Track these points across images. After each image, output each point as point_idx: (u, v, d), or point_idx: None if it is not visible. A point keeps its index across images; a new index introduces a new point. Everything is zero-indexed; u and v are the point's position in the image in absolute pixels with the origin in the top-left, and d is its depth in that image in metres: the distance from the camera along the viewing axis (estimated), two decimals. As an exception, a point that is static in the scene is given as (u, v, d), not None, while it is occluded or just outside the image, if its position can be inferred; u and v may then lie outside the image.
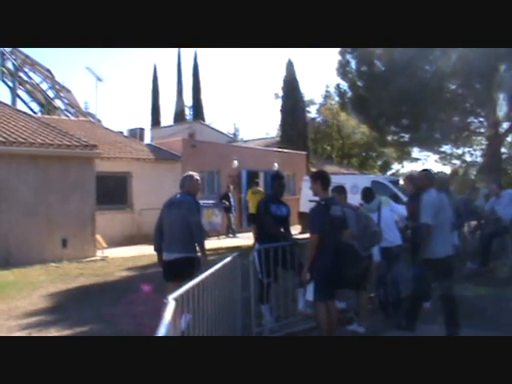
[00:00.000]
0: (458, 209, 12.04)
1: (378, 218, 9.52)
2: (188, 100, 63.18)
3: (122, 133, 31.10)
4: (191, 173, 8.83)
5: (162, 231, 8.46)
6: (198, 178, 8.80)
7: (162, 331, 3.50)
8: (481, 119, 28.27)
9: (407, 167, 54.91)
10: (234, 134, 63.96)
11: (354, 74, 27.47)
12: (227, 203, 25.87)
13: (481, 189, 17.26)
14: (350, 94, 28.37)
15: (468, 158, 34.86)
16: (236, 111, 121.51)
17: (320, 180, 7.72)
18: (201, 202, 24.83)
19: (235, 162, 28.23)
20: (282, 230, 8.97)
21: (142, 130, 32.93)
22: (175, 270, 7.71)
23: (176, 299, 4.59)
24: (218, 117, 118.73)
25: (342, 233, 7.64)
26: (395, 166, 61.33)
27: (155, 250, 8.57)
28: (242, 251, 8.36)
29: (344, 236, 7.68)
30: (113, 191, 23.55)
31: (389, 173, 56.22)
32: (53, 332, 8.91)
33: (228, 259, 7.27)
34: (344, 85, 28.67)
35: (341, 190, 8.88)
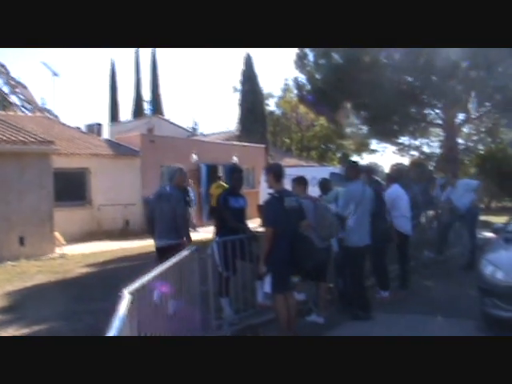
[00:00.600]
0: (416, 199, 12.21)
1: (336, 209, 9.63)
2: (147, 95, 62.94)
3: (79, 128, 30.77)
4: (180, 166, 9.47)
5: (153, 220, 9.15)
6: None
7: (115, 325, 3.49)
8: (437, 111, 28.57)
9: (366, 159, 55.29)
10: (193, 129, 63.67)
11: (312, 67, 27.50)
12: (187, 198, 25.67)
13: (437, 179, 17.47)
14: (308, 86, 28.37)
15: (426, 150, 35.31)
16: (195, 105, 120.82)
17: (273, 172, 7.79)
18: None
19: (194, 156, 28.13)
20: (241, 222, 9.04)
21: (99, 125, 32.61)
22: (166, 255, 7.82)
23: (131, 293, 4.57)
24: (177, 111, 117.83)
25: (299, 224, 7.70)
26: (355, 158, 61.87)
27: (151, 236, 9.36)
28: (200, 245, 8.36)
29: (302, 227, 7.76)
30: (71, 187, 23.24)
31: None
32: (10, 331, 8.80)
33: (185, 253, 7.26)
34: (302, 78, 28.66)
35: (300, 180, 8.98)
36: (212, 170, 28.26)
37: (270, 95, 56.09)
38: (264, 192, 24.67)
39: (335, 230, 8.77)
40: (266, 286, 7.73)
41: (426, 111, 29.22)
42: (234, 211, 8.82)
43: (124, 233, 24.32)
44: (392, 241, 10.84)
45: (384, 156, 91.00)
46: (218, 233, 9.09)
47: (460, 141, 31.04)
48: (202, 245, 8.61)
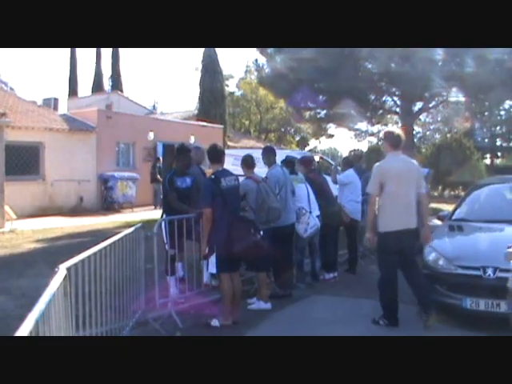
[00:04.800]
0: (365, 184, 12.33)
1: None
2: (107, 71, 61.98)
3: (35, 102, 30.26)
4: (197, 145, 9.97)
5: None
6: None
7: (44, 299, 3.46)
8: (395, 98, 28.82)
9: (324, 143, 55.61)
10: (154, 107, 63.10)
11: (272, 50, 27.44)
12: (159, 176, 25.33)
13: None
14: (267, 69, 28.36)
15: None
16: (156, 84, 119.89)
17: (210, 153, 7.81)
18: (115, 174, 24.80)
19: (151, 134, 27.96)
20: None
21: (56, 99, 32.20)
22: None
23: (68, 268, 4.54)
24: (138, 89, 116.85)
25: (239, 204, 7.76)
26: (313, 142, 62.14)
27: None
28: (149, 223, 8.31)
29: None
30: (24, 161, 22.88)
31: (307, 149, 56.73)
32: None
33: (129, 230, 7.22)
34: (262, 60, 28.63)
35: (246, 160, 8.98)
36: (169, 149, 28.14)
37: (231, 76, 55.83)
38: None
39: (274, 216, 8.71)
40: (211, 266, 7.74)
41: (384, 98, 29.46)
42: (180, 191, 8.78)
43: (77, 209, 24.08)
44: (341, 224, 10.96)
45: (342, 141, 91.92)
46: (165, 212, 9.06)
47: (417, 129, 31.57)
48: (151, 223, 8.58)
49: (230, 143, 37.66)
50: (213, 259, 7.60)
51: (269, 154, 9.65)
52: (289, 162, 10.34)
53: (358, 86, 25.63)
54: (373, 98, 28.90)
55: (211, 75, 39.36)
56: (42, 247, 14.42)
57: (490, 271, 7.22)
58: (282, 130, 56.62)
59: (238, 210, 7.71)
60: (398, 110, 29.17)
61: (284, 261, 9.31)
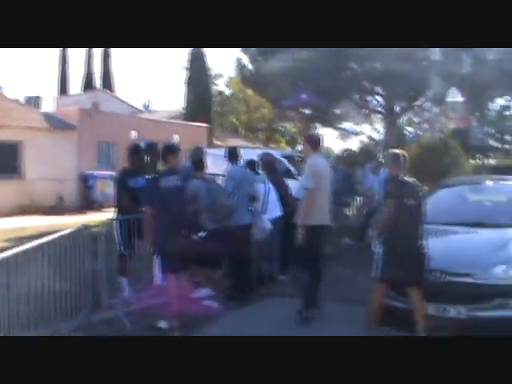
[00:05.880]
0: (336, 185, 12.22)
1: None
2: (98, 70, 61.67)
3: (17, 100, 30.10)
4: (198, 146, 9.99)
5: None
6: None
7: None
8: (378, 98, 28.78)
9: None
10: (147, 106, 62.93)
11: (255, 49, 27.34)
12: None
13: (366, 165, 17.41)
14: (250, 68, 28.25)
15: (376, 136, 35.64)
16: (148, 83, 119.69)
17: (162, 152, 7.76)
18: (95, 172, 24.68)
19: (133, 134, 27.81)
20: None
21: (38, 97, 32.06)
22: None
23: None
24: (130, 88, 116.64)
25: (183, 204, 7.65)
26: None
27: None
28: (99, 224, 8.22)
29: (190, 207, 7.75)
30: (2, 160, 22.80)
31: (298, 148, 56.51)
32: None
33: (69, 231, 7.13)
34: (245, 59, 28.50)
35: (197, 163, 8.98)
36: (151, 149, 27.99)
37: (220, 75, 55.62)
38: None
39: (227, 214, 8.67)
40: (157, 266, 7.66)
41: (369, 98, 29.40)
42: (133, 192, 8.66)
43: (58, 208, 23.90)
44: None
45: (328, 141, 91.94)
46: (118, 212, 8.97)
47: (407, 130, 31.58)
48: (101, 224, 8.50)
49: (216, 142, 37.53)
50: (158, 259, 7.54)
51: (231, 154, 9.68)
52: (249, 162, 10.26)
53: (342, 85, 25.56)
54: (357, 97, 28.81)
55: (198, 74, 39.32)
56: (7, 246, 14.25)
57: (439, 275, 7.08)
58: (272, 128, 56.25)
59: (180, 210, 7.57)
60: (381, 109, 29.08)
61: (240, 262, 9.22)
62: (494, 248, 7.45)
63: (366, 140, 51.42)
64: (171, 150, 7.95)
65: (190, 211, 8.15)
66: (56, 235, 6.67)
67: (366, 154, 32.58)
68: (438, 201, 9.73)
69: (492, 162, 74.90)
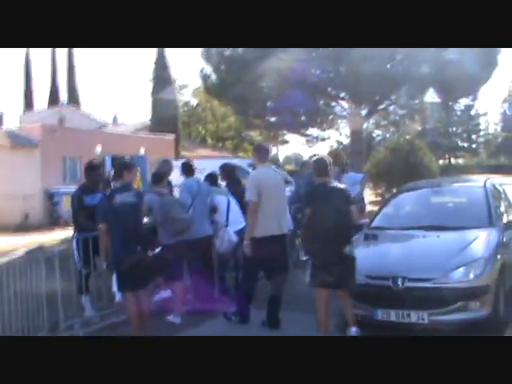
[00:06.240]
0: (298, 192, 12.14)
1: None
2: (64, 84, 61.04)
3: (-21, 119, 29.82)
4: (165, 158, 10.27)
5: None
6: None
7: None
8: (342, 103, 28.85)
9: (280, 150, 55.69)
10: (114, 119, 62.49)
11: (217, 58, 27.28)
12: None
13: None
14: (213, 77, 28.17)
15: (345, 141, 35.79)
16: (116, 96, 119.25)
17: (115, 168, 7.70)
18: (61, 189, 24.40)
19: (98, 148, 27.59)
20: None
21: (0, 114, 31.70)
22: None
23: None
24: (97, 101, 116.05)
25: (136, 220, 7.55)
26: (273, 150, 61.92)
27: None
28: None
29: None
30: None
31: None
32: None
33: (24, 250, 7.04)
34: (208, 69, 28.41)
35: (153, 177, 8.97)
36: (128, 161, 27.76)
37: (185, 86, 55.55)
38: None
39: (182, 227, 8.56)
40: (114, 285, 7.55)
41: (334, 103, 29.47)
42: (90, 209, 8.51)
43: (23, 226, 23.60)
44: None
45: (295, 147, 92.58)
46: (76, 230, 8.84)
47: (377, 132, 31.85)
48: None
49: (184, 153, 37.40)
50: (114, 277, 7.43)
51: (185, 167, 9.61)
52: (209, 175, 10.21)
53: (307, 91, 25.58)
54: (322, 102, 28.89)
55: (163, 85, 39.17)
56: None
57: (399, 281, 7.04)
58: (240, 137, 56.21)
59: (135, 227, 7.45)
60: (346, 114, 29.20)
61: (203, 275, 9.13)
62: (453, 251, 7.45)
63: (335, 145, 51.84)
64: (126, 165, 7.85)
65: (146, 227, 8.07)
66: (11, 256, 6.53)
67: (335, 158, 32.73)
68: (398, 205, 9.75)
69: (460, 161, 75.91)
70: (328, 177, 7.53)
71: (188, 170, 9.56)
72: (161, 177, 9.07)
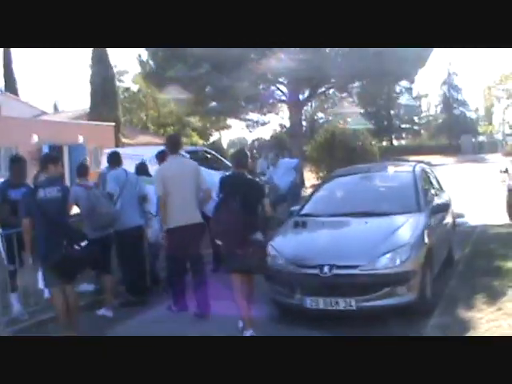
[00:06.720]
0: None
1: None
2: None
3: None
4: None
5: None
6: None
7: None
8: (282, 88, 28.87)
9: (224, 135, 55.64)
10: (55, 107, 61.32)
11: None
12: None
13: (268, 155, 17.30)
14: (151, 63, 27.78)
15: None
16: (55, 83, 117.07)
17: (39, 163, 7.54)
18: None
19: (35, 137, 27.04)
20: None
21: None
22: None
23: None
24: (36, 89, 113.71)
25: (60, 214, 7.41)
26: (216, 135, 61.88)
27: None
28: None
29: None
30: None
31: (211, 140, 56.27)
32: None
33: None
34: (145, 55, 28.01)
35: (78, 169, 8.95)
36: (56, 151, 27.31)
37: (126, 72, 54.82)
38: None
39: (107, 220, 8.49)
40: (40, 280, 7.40)
41: (273, 88, 29.46)
42: (15, 203, 8.29)
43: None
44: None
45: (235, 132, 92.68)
46: (1, 226, 8.61)
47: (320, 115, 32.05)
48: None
49: (125, 140, 37.00)
50: (40, 273, 7.30)
51: (112, 158, 9.60)
52: (140, 165, 10.14)
53: (246, 77, 25.47)
54: (262, 87, 28.85)
55: (101, 72, 38.61)
56: None
57: (326, 269, 7.05)
58: (181, 123, 55.74)
59: (60, 221, 7.32)
60: (285, 98, 29.22)
61: (134, 266, 9.09)
62: (380, 237, 7.51)
63: (278, 128, 51.91)
64: (52, 158, 7.71)
65: (71, 221, 7.96)
66: None
67: (278, 142, 32.78)
68: (328, 191, 9.79)
69: (403, 142, 77.16)
70: (245, 168, 7.61)
71: (115, 159, 9.46)
72: (86, 168, 8.95)
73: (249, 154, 7.98)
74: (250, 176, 7.74)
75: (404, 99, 70.68)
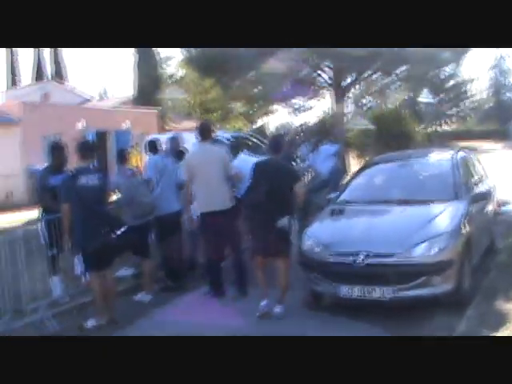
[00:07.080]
0: None
1: None
2: (48, 58, 60.07)
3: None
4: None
5: None
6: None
7: None
8: (324, 75, 28.57)
9: (271, 121, 55.42)
10: (104, 93, 61.85)
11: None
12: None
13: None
14: (195, 49, 27.74)
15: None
16: (104, 70, 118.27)
17: (77, 151, 7.55)
18: (41, 167, 24.18)
19: (80, 124, 27.32)
20: None
21: (-20, 92, 31.38)
22: None
23: None
24: (84, 76, 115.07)
25: (102, 201, 7.59)
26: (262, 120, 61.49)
27: None
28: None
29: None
30: None
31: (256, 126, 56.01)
32: None
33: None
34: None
35: (119, 155, 9.00)
36: (101, 138, 27.64)
37: (170, 58, 54.75)
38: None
39: (146, 209, 8.56)
40: (77, 265, 7.50)
41: (316, 73, 29.17)
42: (55, 190, 8.41)
43: (6, 205, 23.35)
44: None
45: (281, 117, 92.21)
46: (42, 211, 8.78)
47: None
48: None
49: (170, 126, 37.15)
50: (78, 257, 7.39)
51: (150, 146, 9.82)
52: (179, 152, 10.19)
53: (289, 62, 25.31)
54: (305, 73, 28.61)
55: (146, 58, 38.87)
56: None
57: (361, 257, 6.98)
58: (225, 109, 55.54)
59: (99, 209, 7.41)
60: (328, 84, 28.91)
61: (171, 250, 9.17)
62: (417, 225, 7.40)
63: (322, 114, 51.50)
64: (89, 146, 7.80)
65: (110, 209, 8.05)
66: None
67: (321, 127, 32.57)
68: (366, 179, 9.67)
69: (448, 128, 75.93)
70: (279, 154, 7.76)
71: (152, 147, 9.55)
72: (126, 155, 9.07)
73: (287, 139, 7.97)
74: (284, 162, 7.76)
75: (451, 83, 69.30)
